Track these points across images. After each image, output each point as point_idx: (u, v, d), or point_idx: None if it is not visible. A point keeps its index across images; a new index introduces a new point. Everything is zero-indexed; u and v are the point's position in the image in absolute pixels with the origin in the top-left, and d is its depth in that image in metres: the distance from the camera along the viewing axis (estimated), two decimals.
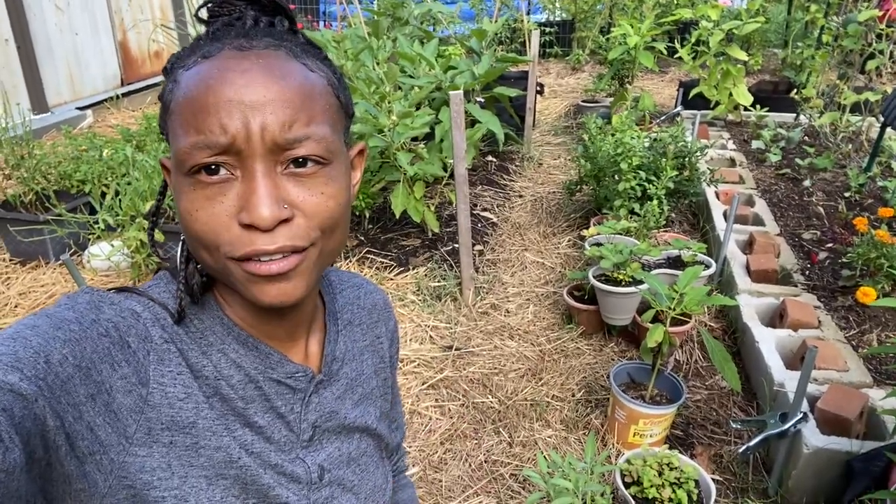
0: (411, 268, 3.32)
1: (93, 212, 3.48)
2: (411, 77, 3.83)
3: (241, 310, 0.65)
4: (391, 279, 3.24)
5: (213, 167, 0.54)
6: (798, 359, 2.38)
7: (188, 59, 0.57)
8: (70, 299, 0.55)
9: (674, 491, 1.71)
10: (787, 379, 2.20)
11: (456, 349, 2.77)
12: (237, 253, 0.55)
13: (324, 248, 0.59)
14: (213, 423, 0.59)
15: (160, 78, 6.87)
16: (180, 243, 0.64)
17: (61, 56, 5.64)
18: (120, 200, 3.24)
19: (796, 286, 2.84)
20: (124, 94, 6.16)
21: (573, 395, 2.51)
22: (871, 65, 4.16)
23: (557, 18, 8.64)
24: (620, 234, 2.98)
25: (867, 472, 1.75)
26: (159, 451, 0.55)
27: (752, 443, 1.99)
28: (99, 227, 3.30)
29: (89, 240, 3.50)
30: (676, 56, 4.78)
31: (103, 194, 3.52)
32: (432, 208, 3.54)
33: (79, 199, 3.55)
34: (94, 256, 3.35)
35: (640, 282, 2.56)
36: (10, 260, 3.44)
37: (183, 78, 0.56)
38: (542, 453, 1.91)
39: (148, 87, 6.56)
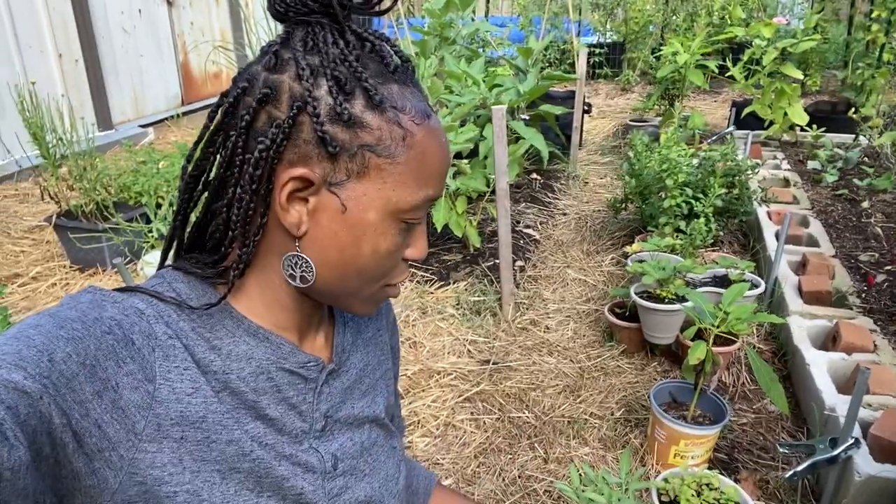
0: (452, 282, 3.32)
1: (148, 222, 3.62)
2: (457, 95, 3.87)
3: (253, 301, 0.64)
4: (431, 293, 3.25)
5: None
6: (851, 383, 2.27)
7: (402, 102, 0.59)
8: (73, 299, 0.56)
9: None
10: (838, 403, 2.10)
11: (493, 363, 2.74)
12: (397, 280, 0.66)
13: None
14: (224, 417, 0.59)
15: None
16: (289, 262, 0.63)
17: (126, 76, 5.93)
18: (174, 211, 3.36)
19: (851, 309, 2.71)
20: (184, 114, 6.42)
21: (612, 414, 2.45)
22: None
23: (608, 40, 8.60)
24: (664, 251, 2.91)
25: None
26: (170, 446, 0.55)
27: (800, 468, 1.90)
28: (153, 236, 3.43)
29: (143, 248, 3.64)
30: (728, 75, 4.69)
31: (158, 205, 3.66)
32: (474, 223, 3.54)
33: (136, 209, 3.70)
34: (147, 264, 3.48)
35: (684, 299, 2.49)
36: (70, 266, 3.59)
37: (420, 134, 0.60)
38: (576, 468, 1.86)
39: (206, 107, 6.83)
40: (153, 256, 3.50)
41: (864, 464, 1.83)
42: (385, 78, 0.58)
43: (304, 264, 0.61)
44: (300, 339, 0.69)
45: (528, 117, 4.23)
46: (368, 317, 0.62)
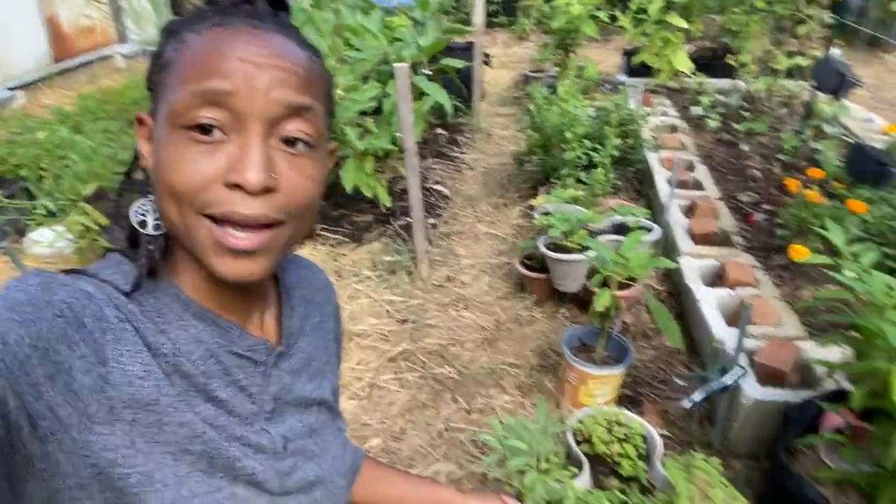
0: (365, 243, 3.33)
1: (31, 197, 3.36)
2: (357, 50, 3.78)
3: (199, 282, 0.65)
4: (345, 255, 3.25)
5: (207, 126, 0.56)
6: (737, 316, 2.51)
7: (198, 24, 0.59)
8: (20, 282, 0.55)
9: (622, 446, 1.81)
10: (727, 336, 2.32)
11: (413, 322, 2.81)
12: (216, 210, 0.56)
13: (293, 232, 0.62)
14: (175, 400, 0.60)
15: (95, 54, 6.62)
16: (148, 210, 0.64)
17: None
18: (60, 184, 3.14)
19: (735, 247, 2.97)
20: (58, 74, 5.89)
21: (528, 362, 2.59)
22: (801, 30, 4.31)
23: None
24: (568, 202, 3.05)
25: (801, 420, 1.88)
26: (122, 428, 0.55)
27: (695, 398, 2.10)
28: (39, 213, 3.20)
29: (28, 226, 3.38)
30: (618, 25, 4.84)
31: (41, 178, 3.40)
32: (384, 183, 3.54)
33: (15, 184, 3.42)
34: (35, 243, 3.25)
35: (588, 249, 2.64)
36: None
37: (193, 38, 0.59)
38: (497, 418, 1.98)
39: (82, 64, 6.29)
40: (41, 234, 3.27)
41: (751, 389, 2.05)
42: (212, 14, 0.61)
43: (154, 206, 0.63)
44: (247, 322, 0.70)
45: (430, 72, 4.22)
46: (232, 277, 0.58)
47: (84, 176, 3.17)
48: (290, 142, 0.59)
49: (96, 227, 3.12)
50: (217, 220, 0.57)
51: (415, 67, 4.06)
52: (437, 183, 4.04)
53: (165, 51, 0.61)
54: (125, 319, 0.59)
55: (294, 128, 0.58)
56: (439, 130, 4.75)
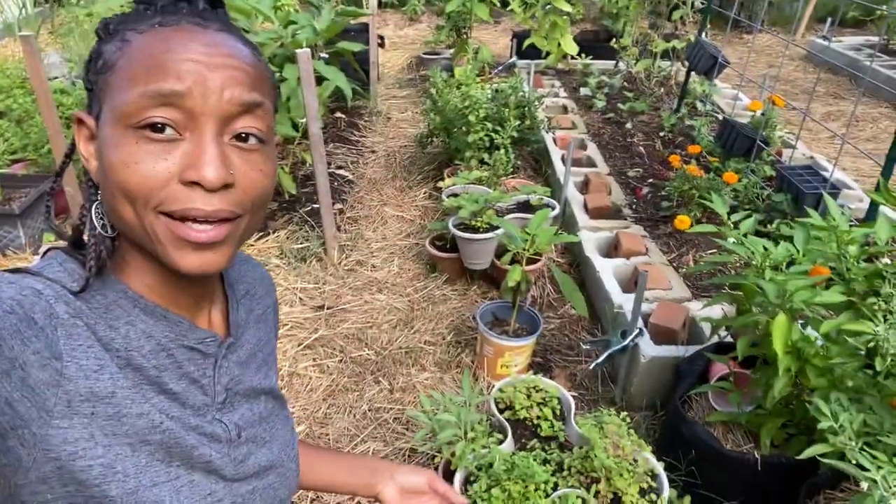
0: (271, 231, 3.29)
1: None
2: (247, 31, 3.68)
3: (147, 279, 0.66)
4: (252, 244, 3.19)
5: (160, 125, 0.57)
6: (632, 283, 2.73)
7: (140, 24, 0.59)
8: None
9: (541, 410, 1.95)
10: (624, 301, 2.53)
11: (327, 308, 2.83)
12: (173, 207, 0.57)
13: (249, 224, 0.64)
14: (131, 392, 0.61)
15: None
16: (91, 211, 0.64)
17: None
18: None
19: (626, 219, 3.20)
20: None
21: (444, 339, 2.69)
22: (676, 14, 4.65)
23: None
24: (474, 183, 3.16)
25: (691, 372, 2.10)
26: (81, 422, 0.56)
27: (599, 360, 2.29)
28: None
29: None
30: (509, 8, 4.99)
31: None
32: (286, 169, 3.49)
33: None
34: None
35: (496, 227, 2.76)
36: None
37: (137, 38, 0.59)
38: (423, 394, 2.06)
39: None
40: None
41: (648, 348, 2.26)
42: (152, 13, 0.62)
43: (103, 208, 0.64)
44: (196, 315, 0.72)
45: (327, 55, 4.17)
46: (194, 271, 0.59)
47: None
48: (241, 137, 0.61)
49: None
50: (175, 216, 0.58)
51: (311, 51, 4.01)
52: (341, 168, 4.03)
53: (106, 50, 0.60)
54: (75, 315, 0.59)
55: (246, 124, 0.60)
56: (338, 114, 4.72)
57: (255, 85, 0.61)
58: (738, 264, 2.08)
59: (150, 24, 0.59)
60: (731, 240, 1.71)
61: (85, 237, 0.66)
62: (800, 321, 1.66)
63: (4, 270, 0.60)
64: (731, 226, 1.80)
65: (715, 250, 2.82)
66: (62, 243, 0.68)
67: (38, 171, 3.42)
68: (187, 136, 0.58)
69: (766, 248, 1.67)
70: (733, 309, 2.01)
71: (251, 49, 0.63)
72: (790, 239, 1.79)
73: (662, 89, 4.70)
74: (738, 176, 3.04)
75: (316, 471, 0.98)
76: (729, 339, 2.15)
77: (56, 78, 4.27)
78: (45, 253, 0.67)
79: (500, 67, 5.32)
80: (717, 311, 2.34)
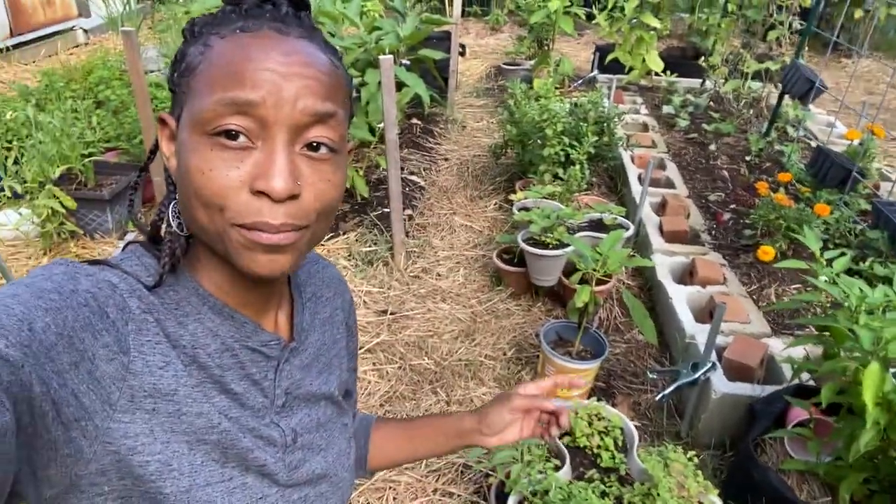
0: (341, 233, 3.33)
1: None
2: (333, 36, 3.75)
3: (218, 278, 0.66)
4: (322, 244, 3.24)
5: (234, 133, 0.57)
6: (706, 313, 2.60)
7: (223, 28, 0.60)
8: (46, 270, 0.56)
9: (602, 439, 1.87)
10: (697, 332, 2.41)
11: (391, 313, 2.83)
12: (243, 220, 0.57)
13: (315, 232, 0.63)
14: (193, 391, 0.61)
15: (55, 28, 6.38)
16: (168, 210, 0.66)
17: None
18: (27, 165, 3.04)
19: (704, 245, 3.07)
20: (15, 46, 5.67)
21: (505, 354, 2.64)
22: (772, 35, 4.44)
23: None
24: (546, 198, 3.10)
25: (768, 413, 1.97)
26: (142, 417, 0.57)
27: (667, 391, 2.19)
28: (4, 195, 3.10)
29: None
30: (594, 22, 4.91)
31: (5, 158, 3.29)
32: (360, 172, 3.53)
33: None
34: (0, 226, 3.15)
35: (566, 245, 2.70)
36: None
37: (219, 43, 0.59)
38: None
39: (41, 38, 6.06)
40: (5, 216, 3.17)
41: (720, 383, 2.14)
42: (236, 17, 0.61)
43: (179, 207, 0.64)
44: (262, 317, 0.72)
45: (408, 62, 4.21)
46: (262, 273, 0.59)
47: (52, 157, 3.08)
48: (313, 147, 0.60)
49: (63, 211, 3.05)
50: (245, 227, 0.58)
51: (393, 57, 4.05)
52: (413, 174, 4.05)
53: (189, 53, 0.61)
54: (147, 311, 0.60)
55: (318, 134, 0.59)
56: (414, 120, 4.75)
57: (330, 94, 0.60)
58: (826, 304, 1.95)
59: (232, 30, 0.59)
60: (823, 278, 1.59)
61: (162, 233, 0.67)
62: (893, 371, 1.53)
63: (85, 261, 0.61)
64: (824, 263, 1.68)
65: (800, 285, 2.66)
66: (142, 237, 0.69)
67: (129, 160, 3.59)
68: (259, 145, 0.58)
69: (861, 291, 1.55)
70: (819, 351, 1.88)
71: (330, 56, 0.62)
72: (888, 281, 1.65)
73: (752, 111, 4.50)
74: (830, 208, 2.86)
75: (392, 443, 0.98)
76: (811, 382, 2.02)
77: (152, 72, 4.49)
78: (125, 246, 0.68)
79: (581, 81, 5.24)
80: (799, 351, 2.20)
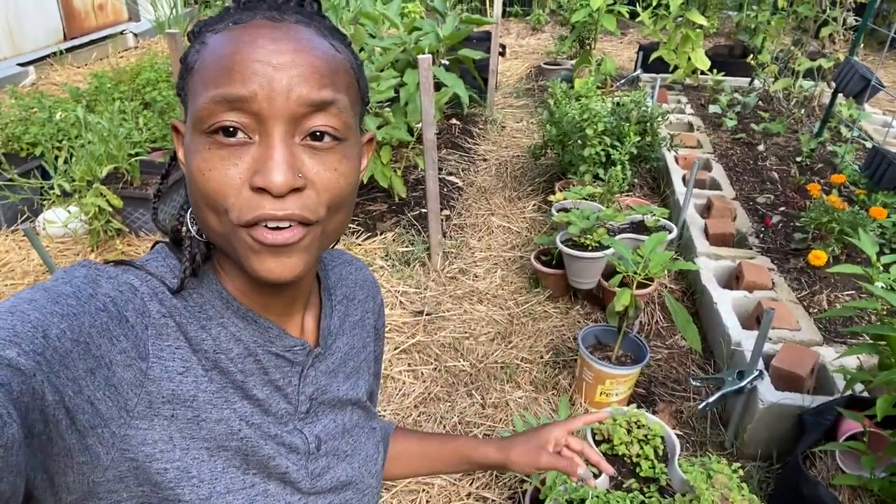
0: (379, 233, 3.33)
1: (45, 176, 3.35)
2: (373, 37, 3.76)
3: (240, 282, 0.65)
4: (359, 244, 3.25)
5: (231, 129, 0.55)
6: (753, 319, 2.51)
7: (218, 24, 0.58)
8: (67, 273, 0.55)
9: (642, 447, 1.81)
10: (743, 338, 2.32)
11: (427, 314, 2.81)
12: (245, 218, 0.55)
13: (327, 228, 0.60)
14: (213, 397, 0.60)
15: (107, 32, 6.59)
16: (186, 215, 0.64)
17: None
18: (75, 165, 3.13)
19: (751, 249, 2.96)
20: (68, 50, 5.86)
21: (542, 357, 2.60)
22: (824, 32, 4.28)
23: None
24: (586, 199, 3.04)
25: (818, 425, 1.88)
26: (160, 423, 0.56)
27: (711, 399, 2.11)
28: (54, 193, 3.19)
29: (43, 205, 3.38)
30: (638, 20, 4.81)
31: (56, 157, 3.39)
32: (399, 173, 3.53)
33: (30, 162, 3.41)
34: (49, 223, 3.25)
35: (606, 247, 2.63)
36: None
37: (211, 40, 0.57)
38: (517, 414, 1.99)
39: (93, 41, 6.25)
40: (55, 214, 3.27)
41: (767, 392, 2.06)
42: (233, 11, 0.59)
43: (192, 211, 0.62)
44: (287, 321, 0.70)
45: (447, 62, 4.19)
46: (271, 277, 0.57)
47: (100, 157, 3.16)
48: (316, 136, 0.57)
49: (110, 209, 3.13)
50: (250, 225, 0.56)
51: (432, 57, 4.04)
52: (451, 174, 4.03)
53: (189, 54, 0.59)
54: (168, 315, 0.59)
55: (319, 123, 0.56)
56: (453, 121, 4.73)
57: (328, 81, 0.56)
58: (882, 311, 1.85)
59: (225, 23, 0.57)
60: (879, 284, 1.51)
61: (183, 236, 0.66)
62: None
63: (109, 261, 0.60)
64: (880, 268, 1.59)
65: (854, 292, 2.54)
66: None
67: None
68: (256, 140, 0.55)
69: None
70: (874, 361, 1.78)
71: (330, 40, 0.59)
72: None
73: (803, 111, 4.34)
74: (887, 211, 2.73)
75: (405, 459, 0.97)
76: (865, 393, 1.92)
77: None
78: (153, 246, 0.67)
79: (623, 80, 5.13)
80: (853, 361, 2.10)
